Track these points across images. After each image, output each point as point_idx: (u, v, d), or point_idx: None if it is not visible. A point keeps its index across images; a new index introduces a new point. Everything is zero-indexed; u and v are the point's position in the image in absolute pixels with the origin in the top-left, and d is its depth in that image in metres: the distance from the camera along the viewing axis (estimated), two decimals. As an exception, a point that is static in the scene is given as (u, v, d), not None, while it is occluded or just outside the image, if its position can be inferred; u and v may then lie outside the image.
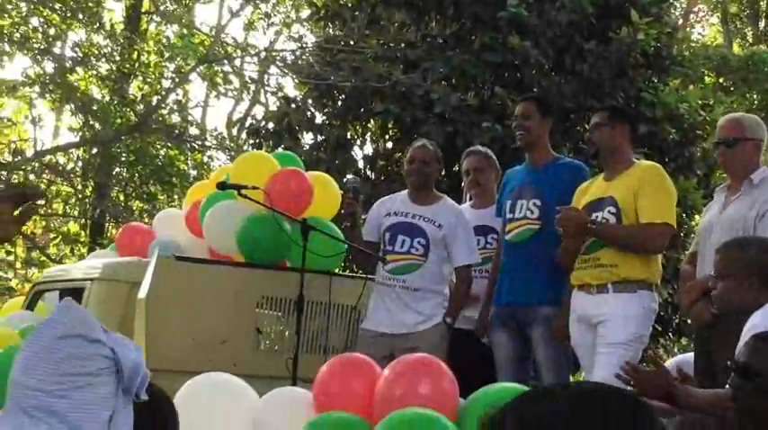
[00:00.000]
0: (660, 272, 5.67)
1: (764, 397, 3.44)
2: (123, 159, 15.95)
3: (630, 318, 5.40)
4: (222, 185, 6.34)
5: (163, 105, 15.47)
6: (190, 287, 6.25)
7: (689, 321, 11.01)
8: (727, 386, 3.67)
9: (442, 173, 10.86)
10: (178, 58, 16.05)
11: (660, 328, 11.38)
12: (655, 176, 5.59)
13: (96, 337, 2.76)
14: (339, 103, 12.03)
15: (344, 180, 6.64)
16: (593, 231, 5.46)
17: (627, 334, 5.36)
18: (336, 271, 7.04)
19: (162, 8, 16.59)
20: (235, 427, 4.40)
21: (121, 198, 16.47)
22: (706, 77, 15.87)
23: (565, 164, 6.22)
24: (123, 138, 15.07)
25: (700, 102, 11.59)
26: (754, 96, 15.75)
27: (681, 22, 19.18)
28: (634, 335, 5.38)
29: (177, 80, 15.79)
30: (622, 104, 6.26)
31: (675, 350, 14.70)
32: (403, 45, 11.67)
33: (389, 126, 11.86)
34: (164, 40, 16.73)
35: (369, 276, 6.43)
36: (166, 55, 16.24)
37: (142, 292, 6.13)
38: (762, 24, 20.82)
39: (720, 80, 16.44)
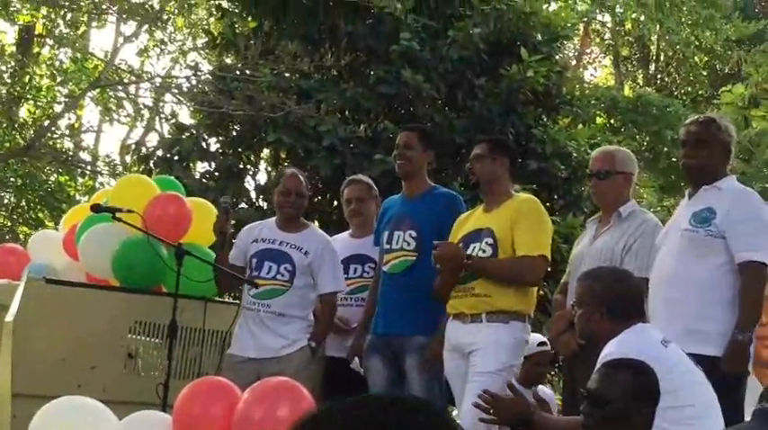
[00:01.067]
0: (534, 303, 5.74)
1: (612, 424, 3.49)
2: (11, 183, 15.64)
3: (501, 347, 5.44)
4: (97, 208, 6.25)
5: (54, 129, 15.21)
6: (60, 310, 6.14)
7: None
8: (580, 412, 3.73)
9: (332, 204, 11.00)
10: (71, 83, 15.84)
11: (547, 362, 11.46)
12: (531, 209, 5.66)
13: None
14: (233, 131, 11.97)
15: (220, 199, 6.58)
16: (470, 267, 5.50)
17: (497, 363, 5.41)
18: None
19: (56, 31, 16.34)
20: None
21: (8, 223, 16.13)
22: (597, 118, 16.18)
23: (440, 193, 6.26)
24: (11, 162, 14.78)
25: (589, 141, 11.78)
26: (643, 137, 16.09)
27: (574, 62, 19.54)
28: (504, 364, 5.43)
29: (69, 104, 15.54)
30: (504, 138, 6.32)
31: (560, 384, 14.85)
32: (297, 75, 11.67)
33: (282, 156, 11.82)
34: (57, 64, 16.48)
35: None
36: (59, 79, 16.01)
37: (10, 315, 6.01)
38: (652, 68, 21.31)
39: (611, 121, 16.77)
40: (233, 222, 6.59)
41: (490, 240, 5.56)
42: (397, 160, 6.24)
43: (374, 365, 6.02)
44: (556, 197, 11.23)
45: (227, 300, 6.59)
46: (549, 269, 5.88)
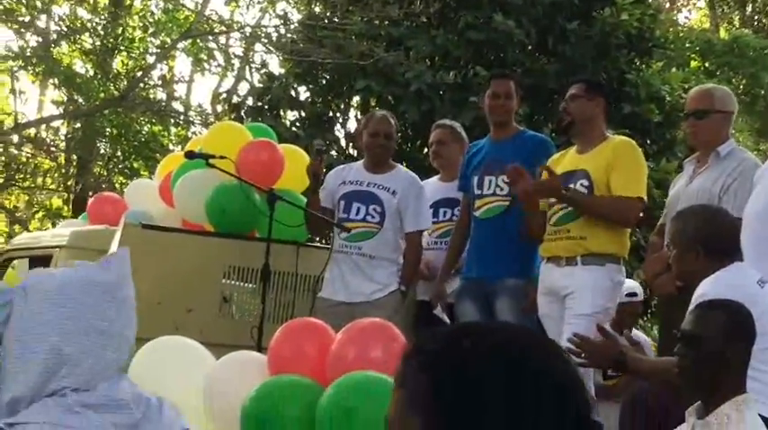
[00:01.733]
0: (628, 246, 5.67)
1: (707, 365, 3.45)
2: (107, 134, 15.89)
3: (598, 290, 5.39)
4: (190, 155, 6.33)
5: (146, 80, 15.41)
6: (156, 255, 6.25)
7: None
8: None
9: (422, 150, 10.98)
10: (162, 34, 16.00)
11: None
12: (628, 151, 5.57)
13: None
14: (322, 80, 12.02)
15: (314, 142, 6.62)
16: (567, 197, 5.45)
17: (594, 305, 5.35)
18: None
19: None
20: (189, 388, 4.39)
21: (104, 173, 16.41)
22: (691, 61, 15.87)
23: (529, 136, 6.23)
24: (106, 112, 15.02)
25: (683, 84, 11.59)
26: (739, 81, 15.75)
27: (668, 4, 19.16)
28: (601, 307, 5.38)
29: (161, 54, 15.71)
30: (599, 80, 6.24)
31: (654, 330, 14.75)
32: (386, 23, 11.65)
33: (372, 104, 11.84)
34: (148, 15, 16.64)
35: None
36: (151, 30, 16.18)
37: (108, 259, 6.11)
38: (748, 9, 20.79)
39: (706, 64, 16.43)
40: (325, 166, 6.62)
41: (585, 182, 5.49)
42: (494, 108, 6.17)
43: (466, 309, 6.02)
44: (649, 142, 11.07)
45: (318, 244, 6.62)
46: (642, 214, 5.79)
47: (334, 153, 11.55)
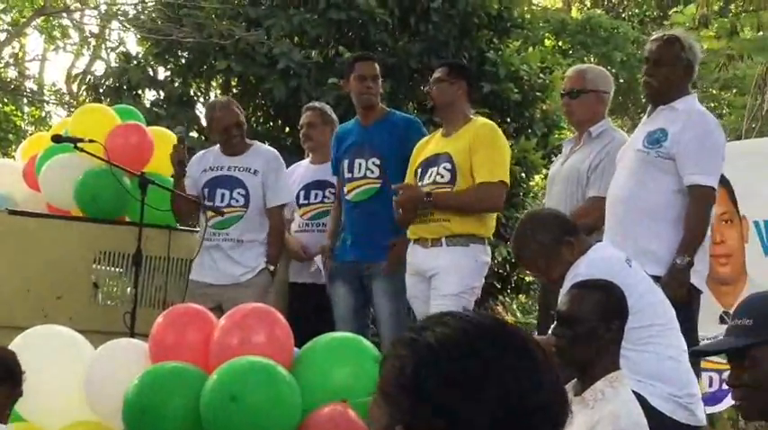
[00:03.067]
0: (493, 225, 5.80)
1: (583, 343, 3.59)
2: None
3: (463, 269, 5.51)
4: (58, 138, 6.22)
5: (-2, 58, 15.01)
6: (24, 241, 6.15)
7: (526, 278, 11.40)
8: (550, 334, 3.83)
9: (285, 130, 10.98)
10: (14, 11, 15.57)
11: (499, 286, 11.65)
12: (489, 134, 5.67)
13: None
14: (182, 59, 11.88)
15: (174, 130, 6.57)
16: (431, 204, 5.54)
17: (459, 285, 5.48)
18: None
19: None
20: (70, 379, 4.36)
21: (-47, 153, 15.93)
22: (546, 40, 16.20)
23: (399, 118, 6.30)
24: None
25: (540, 64, 11.84)
26: (592, 60, 16.13)
27: (522, -15, 19.47)
28: (466, 286, 5.51)
29: (13, 32, 15.28)
30: (462, 62, 6.34)
31: (514, 307, 15.09)
32: (245, 3, 11.58)
33: (232, 83, 11.77)
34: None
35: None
36: (1, 6, 15.72)
37: (-27, 246, 6.00)
38: (599, -11, 21.35)
39: (560, 43, 16.80)
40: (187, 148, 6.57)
41: (448, 165, 5.60)
42: (362, 91, 6.20)
43: (339, 290, 6.08)
44: (509, 120, 11.29)
45: (190, 228, 6.58)
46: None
47: (194, 134, 11.44)
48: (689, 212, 4.81)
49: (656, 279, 4.52)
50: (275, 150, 6.41)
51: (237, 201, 6.15)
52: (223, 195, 6.17)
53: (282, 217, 6.26)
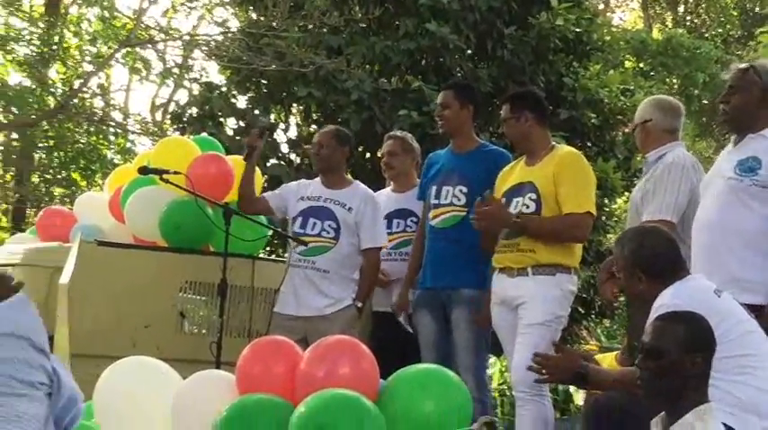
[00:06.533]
0: (579, 255, 5.77)
1: (667, 376, 3.55)
2: (43, 145, 15.74)
3: (549, 299, 5.48)
4: (144, 170, 6.33)
5: (84, 89, 15.28)
6: (113, 272, 6.26)
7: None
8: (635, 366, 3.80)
9: (364, 157, 11.05)
10: (99, 42, 15.89)
11: (583, 311, 11.59)
12: (574, 163, 5.64)
13: (43, 347, 2.46)
14: (263, 88, 12.03)
15: (259, 118, 6.67)
16: (518, 226, 5.54)
17: (545, 315, 5.45)
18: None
19: (83, -9, 16.43)
20: (157, 409, 4.42)
21: (42, 184, 16.25)
22: (626, 62, 16.09)
23: (489, 151, 6.28)
24: (44, 123, 14.89)
25: (620, 86, 11.78)
26: (673, 80, 16.01)
27: (602, 6, 19.40)
28: (552, 315, 5.47)
29: (100, 64, 15.59)
30: (522, 91, 6.32)
31: (598, 331, 14.98)
32: (326, 30, 11.70)
33: (312, 111, 11.89)
34: (85, 24, 16.53)
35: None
36: (87, 38, 16.06)
37: (64, 278, 6.12)
38: (680, 9, 21.13)
39: (640, 65, 16.66)
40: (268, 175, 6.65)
41: (533, 195, 5.57)
42: (438, 120, 6.30)
43: (423, 319, 6.10)
44: (589, 144, 11.25)
45: (275, 257, 6.67)
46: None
47: (274, 160, 11.57)
48: None
49: (752, 308, 4.44)
50: (372, 193, 6.45)
51: (328, 233, 6.21)
52: (314, 224, 6.23)
53: (378, 259, 6.31)
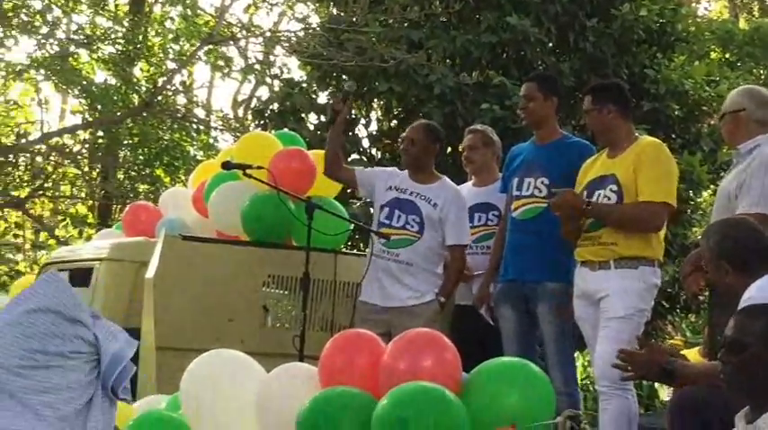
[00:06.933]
0: (662, 247, 5.68)
1: (750, 370, 3.48)
2: (127, 142, 15.97)
3: (631, 292, 5.43)
4: (227, 165, 6.40)
5: (168, 87, 15.47)
6: (197, 266, 6.35)
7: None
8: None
9: (443, 151, 11.02)
10: (182, 40, 16.07)
11: (668, 305, 11.45)
12: (654, 153, 5.57)
13: (76, 317, 2.54)
14: (343, 83, 12.06)
15: (345, 84, 6.67)
16: (589, 212, 5.50)
17: (627, 308, 5.39)
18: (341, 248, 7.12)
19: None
20: (241, 402, 4.46)
21: (126, 181, 16.50)
22: (711, 53, 15.83)
23: (572, 142, 6.24)
24: (128, 120, 15.12)
25: (705, 77, 11.60)
26: (760, 71, 15.70)
27: (687, -3, 19.12)
28: (635, 308, 5.41)
29: (184, 61, 15.77)
30: (604, 83, 6.24)
31: (683, 326, 14.77)
32: (406, 25, 11.70)
33: (393, 105, 11.89)
34: (168, 22, 16.73)
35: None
36: (170, 36, 16.25)
37: (150, 272, 6.21)
38: (768, -2, 20.75)
39: (726, 55, 16.38)
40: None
41: (614, 187, 5.52)
42: (520, 112, 6.28)
43: (505, 312, 6.08)
44: (673, 136, 11.09)
45: (357, 251, 6.70)
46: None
47: (356, 155, 11.60)
48: None
49: None
50: (459, 190, 6.44)
51: (412, 226, 6.21)
52: (399, 217, 6.23)
53: (464, 256, 6.31)
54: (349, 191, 8.04)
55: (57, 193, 16.62)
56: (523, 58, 11.01)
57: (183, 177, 15.38)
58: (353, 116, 11.85)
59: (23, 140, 15.70)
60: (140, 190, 16.09)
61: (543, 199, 5.98)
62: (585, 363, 12.95)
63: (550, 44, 11.26)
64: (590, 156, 5.92)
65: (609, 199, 5.53)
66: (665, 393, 12.37)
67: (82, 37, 15.47)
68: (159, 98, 14.92)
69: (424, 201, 6.24)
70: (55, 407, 2.48)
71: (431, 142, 6.38)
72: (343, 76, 11.83)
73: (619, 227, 5.46)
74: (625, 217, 5.47)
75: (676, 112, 11.11)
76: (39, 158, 15.84)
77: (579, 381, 13.57)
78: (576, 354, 12.16)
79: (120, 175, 16.58)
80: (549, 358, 5.84)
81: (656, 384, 12.52)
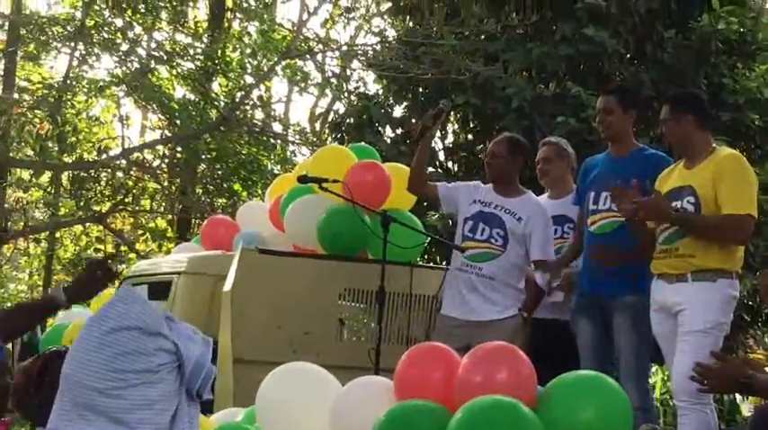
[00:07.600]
0: (741, 259, 5.61)
1: None
2: (205, 157, 16.16)
3: (709, 305, 5.36)
4: (303, 179, 6.45)
5: (246, 101, 15.64)
6: (274, 279, 6.39)
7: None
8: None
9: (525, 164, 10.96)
10: (259, 55, 16.24)
11: (749, 318, 11.27)
12: (735, 165, 5.50)
13: (155, 330, 2.58)
14: (420, 96, 12.09)
15: (441, 101, 6.64)
16: (676, 218, 5.43)
17: (706, 321, 5.33)
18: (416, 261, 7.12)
19: (244, 5, 16.81)
20: (317, 415, 4.47)
21: (204, 195, 16.69)
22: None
23: (648, 155, 6.16)
24: (206, 135, 15.30)
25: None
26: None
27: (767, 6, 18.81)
28: (714, 322, 5.34)
29: (262, 76, 15.93)
30: (682, 93, 6.17)
31: (766, 339, 14.52)
32: (483, 37, 11.69)
33: (470, 118, 11.88)
34: (246, 38, 16.91)
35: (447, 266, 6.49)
36: (248, 51, 16.43)
37: (227, 285, 6.27)
38: None
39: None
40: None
41: (692, 198, 5.46)
42: (599, 125, 6.23)
43: (583, 326, 6.03)
44: (753, 147, 10.93)
45: (433, 265, 6.69)
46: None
47: (431, 168, 11.61)
48: None
49: None
50: (544, 205, 6.41)
51: (496, 240, 6.19)
52: (483, 230, 6.21)
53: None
54: (425, 203, 8.05)
55: (137, 208, 16.87)
56: (600, 70, 10.94)
57: (260, 191, 15.50)
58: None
59: (105, 156, 15.97)
60: (218, 204, 16.27)
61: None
62: (665, 378, 12.80)
63: (628, 55, 11.17)
64: (667, 167, 5.86)
65: (686, 210, 5.47)
66: (746, 408, 12.18)
67: (162, 53, 15.71)
68: (237, 113, 15.09)
69: (509, 215, 6.21)
70: (152, 422, 2.53)
71: (514, 155, 6.35)
72: (420, 90, 11.87)
73: (705, 236, 5.39)
74: (711, 226, 5.40)
75: (756, 122, 10.94)
76: (119, 173, 16.09)
77: (658, 396, 13.46)
78: (655, 369, 12.03)
79: (199, 190, 16.77)
80: (623, 371, 5.78)
81: (738, 399, 12.34)
